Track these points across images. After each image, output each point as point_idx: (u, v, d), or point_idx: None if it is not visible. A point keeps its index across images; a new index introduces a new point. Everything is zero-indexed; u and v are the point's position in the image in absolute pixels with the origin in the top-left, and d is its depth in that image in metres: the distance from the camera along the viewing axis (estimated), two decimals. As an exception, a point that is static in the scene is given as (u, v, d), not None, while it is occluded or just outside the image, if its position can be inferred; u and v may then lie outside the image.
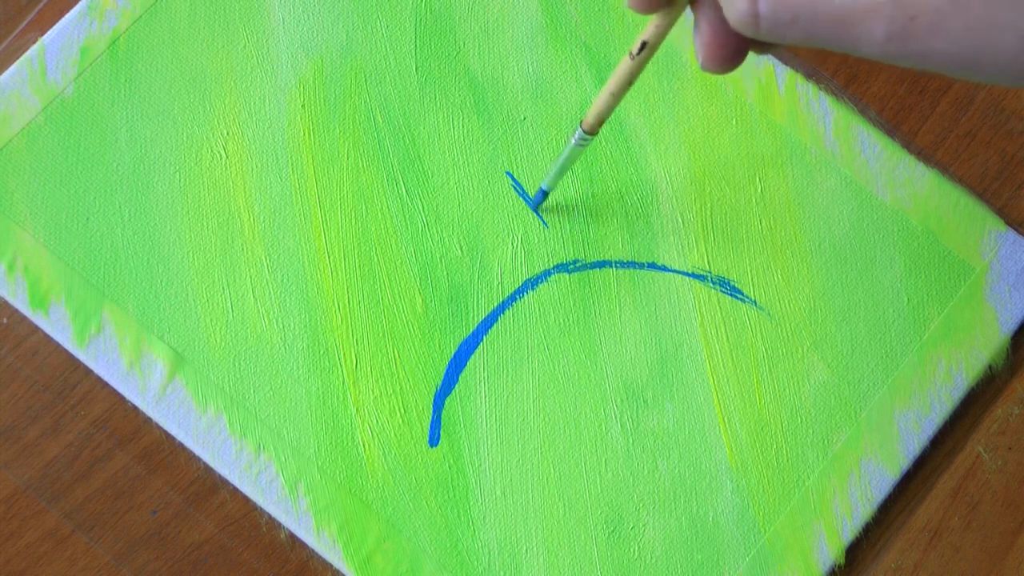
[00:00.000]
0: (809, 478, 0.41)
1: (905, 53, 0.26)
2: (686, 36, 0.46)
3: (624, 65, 0.35)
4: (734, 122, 0.45)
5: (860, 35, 0.26)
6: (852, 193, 0.44)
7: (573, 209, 0.44)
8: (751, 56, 0.46)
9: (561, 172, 0.41)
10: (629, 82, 0.35)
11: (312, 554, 0.40)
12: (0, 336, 0.42)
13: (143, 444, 0.41)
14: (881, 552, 0.41)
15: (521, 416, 0.41)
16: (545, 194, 0.43)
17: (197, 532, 0.40)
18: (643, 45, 0.33)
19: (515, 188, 0.44)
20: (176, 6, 0.45)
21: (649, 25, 0.33)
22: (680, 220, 0.44)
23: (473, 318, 0.42)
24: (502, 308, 0.43)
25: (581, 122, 0.38)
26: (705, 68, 0.30)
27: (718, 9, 0.30)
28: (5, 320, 0.42)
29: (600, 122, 0.37)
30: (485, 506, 0.40)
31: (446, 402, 0.41)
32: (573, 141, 0.38)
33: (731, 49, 0.30)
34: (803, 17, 0.26)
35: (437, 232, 0.43)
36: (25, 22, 0.45)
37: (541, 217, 0.43)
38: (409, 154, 0.44)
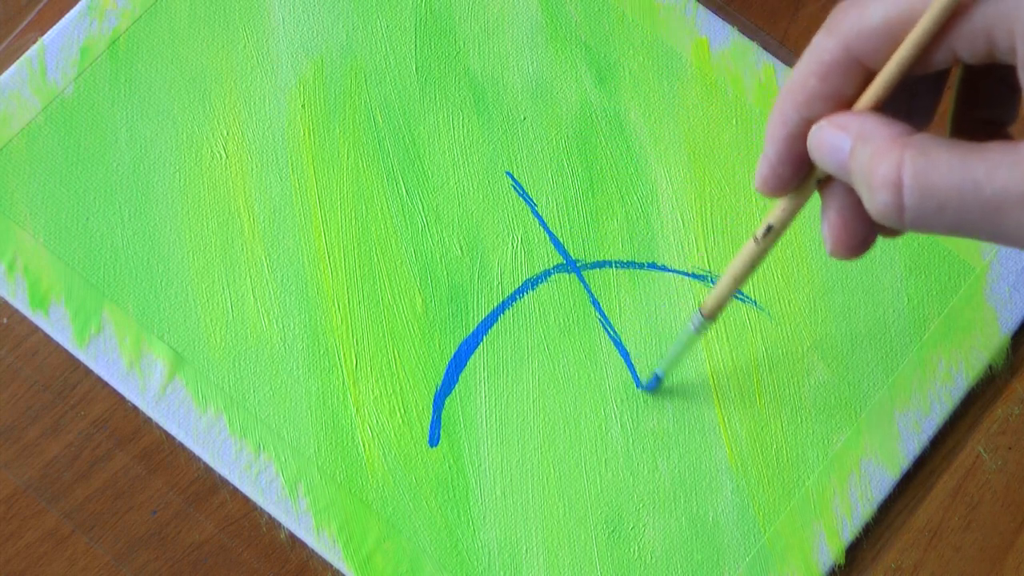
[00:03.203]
0: (809, 478, 0.41)
1: None
2: (686, 36, 0.46)
3: (748, 249, 0.32)
4: (734, 122, 0.45)
5: (1011, 224, 0.24)
6: (852, 193, 0.44)
7: (573, 209, 0.44)
8: (751, 56, 0.46)
9: (678, 359, 0.39)
10: (752, 266, 0.33)
11: (312, 554, 0.40)
12: (0, 336, 0.42)
13: (143, 444, 0.41)
14: (881, 552, 0.41)
15: (521, 416, 0.41)
16: (659, 380, 0.41)
17: (197, 532, 0.40)
18: (768, 228, 0.31)
19: (515, 188, 0.44)
20: (176, 6, 0.45)
21: (775, 208, 0.31)
22: (680, 220, 0.44)
23: (473, 318, 0.42)
24: (502, 308, 0.43)
25: (700, 307, 0.35)
26: (834, 255, 0.29)
27: (849, 194, 0.28)
28: (5, 320, 0.42)
29: (720, 307, 0.35)
30: (485, 506, 0.40)
31: (446, 402, 0.41)
32: (692, 327, 0.36)
33: (862, 236, 0.29)
34: (951, 207, 0.25)
35: (437, 232, 0.43)
36: (25, 22, 0.45)
37: (641, 384, 0.42)
38: (409, 154, 0.44)
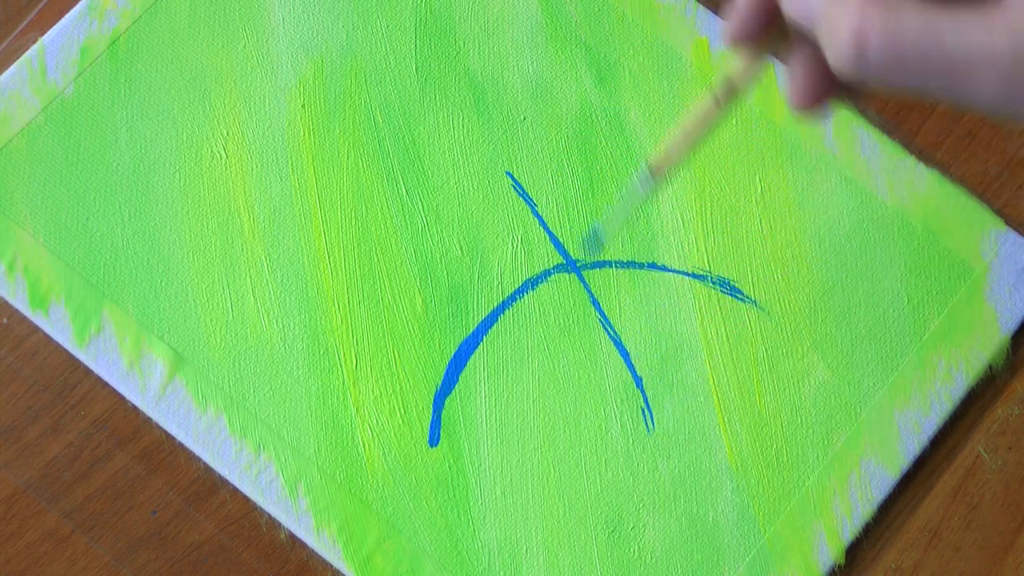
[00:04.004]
0: (809, 478, 0.41)
1: (1021, 110, 0.25)
2: (686, 36, 0.46)
3: (704, 105, 0.31)
4: (734, 122, 0.45)
5: (971, 86, 0.24)
6: (852, 193, 0.44)
7: (573, 209, 0.44)
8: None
9: (620, 218, 0.38)
10: (707, 127, 0.32)
11: (312, 554, 0.40)
12: (0, 336, 0.42)
13: (143, 444, 0.41)
14: (881, 552, 0.41)
15: (521, 416, 0.41)
16: (600, 240, 0.39)
17: (197, 532, 0.40)
18: (728, 86, 0.31)
19: (515, 188, 0.44)
20: (176, 6, 0.45)
21: (736, 64, 0.31)
22: (680, 220, 0.44)
23: (473, 318, 0.42)
24: (502, 308, 0.43)
25: (647, 163, 0.34)
26: (793, 107, 0.29)
27: (814, 51, 0.28)
28: (5, 320, 0.42)
29: (669, 166, 0.33)
30: (485, 506, 0.40)
31: (446, 402, 0.41)
32: (638, 184, 0.35)
33: (823, 89, 0.29)
34: (910, 59, 0.25)
35: (437, 232, 0.43)
36: (25, 22, 0.45)
37: (587, 250, 0.42)
38: (409, 154, 0.44)
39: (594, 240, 0.40)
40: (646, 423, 0.41)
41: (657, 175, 0.34)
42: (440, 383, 0.42)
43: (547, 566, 0.40)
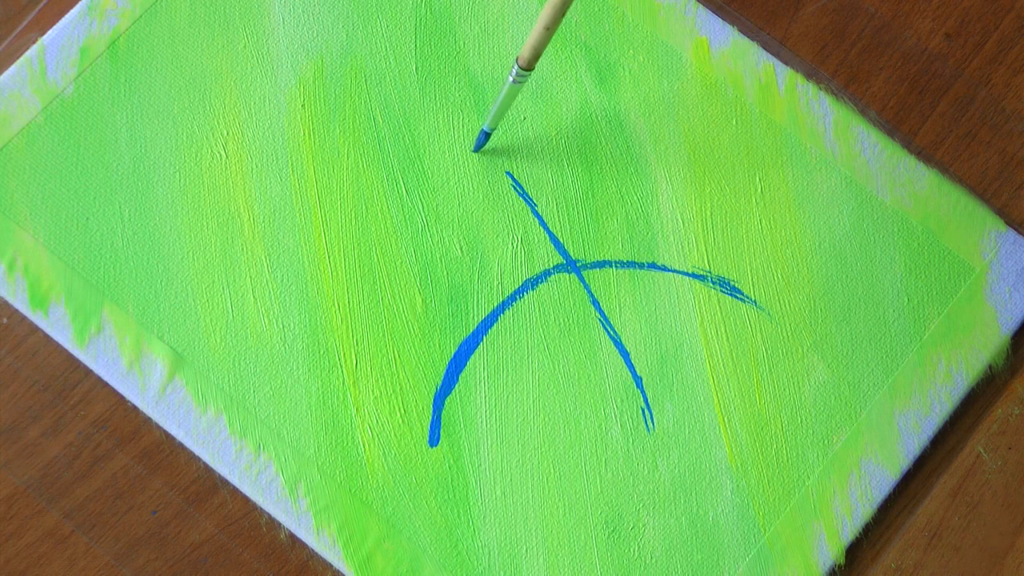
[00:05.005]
0: (809, 478, 0.41)
1: None
2: (686, 36, 0.46)
3: None
4: (734, 122, 0.45)
5: None
6: (852, 193, 0.44)
7: (573, 209, 0.44)
8: (751, 56, 0.46)
9: (500, 113, 0.42)
10: (563, 12, 0.35)
11: (312, 554, 0.40)
12: (0, 336, 0.42)
13: (143, 444, 0.41)
14: (881, 552, 0.41)
15: (521, 416, 0.41)
16: (487, 136, 0.43)
17: (197, 532, 0.40)
18: None
19: (515, 188, 0.44)
20: (176, 6, 0.45)
21: None
22: (680, 220, 0.44)
23: (473, 318, 0.42)
24: (502, 308, 0.43)
25: (517, 59, 0.38)
26: None
27: None
28: (5, 320, 0.42)
29: (536, 57, 0.38)
30: (485, 506, 0.40)
31: (446, 402, 0.41)
32: (511, 79, 0.39)
33: None
34: None
35: (437, 232, 0.43)
36: (25, 22, 0.45)
37: (478, 145, 0.44)
38: (409, 154, 0.44)
39: (484, 138, 0.43)
40: (646, 423, 0.41)
41: (527, 68, 0.38)
42: (440, 383, 0.42)
43: (547, 566, 0.40)
